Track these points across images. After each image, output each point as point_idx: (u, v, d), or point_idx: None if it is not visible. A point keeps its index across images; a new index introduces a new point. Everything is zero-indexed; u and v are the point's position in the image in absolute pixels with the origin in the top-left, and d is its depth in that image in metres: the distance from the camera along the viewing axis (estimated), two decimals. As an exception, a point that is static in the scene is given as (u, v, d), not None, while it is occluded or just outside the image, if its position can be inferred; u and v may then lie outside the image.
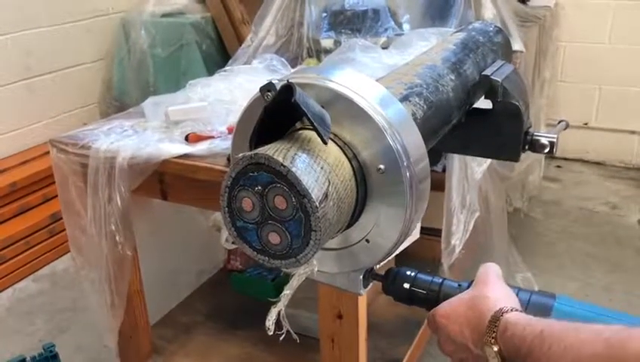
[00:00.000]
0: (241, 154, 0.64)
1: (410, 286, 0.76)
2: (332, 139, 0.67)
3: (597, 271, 2.53)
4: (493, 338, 0.61)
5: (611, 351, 0.53)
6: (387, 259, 0.73)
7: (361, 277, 0.75)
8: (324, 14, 2.09)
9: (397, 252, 0.78)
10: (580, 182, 3.34)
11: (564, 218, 2.95)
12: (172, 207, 1.65)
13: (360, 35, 2.00)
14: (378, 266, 0.76)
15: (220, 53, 3.13)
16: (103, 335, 1.71)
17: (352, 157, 0.68)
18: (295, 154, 0.63)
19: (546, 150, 1.04)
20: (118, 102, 3.18)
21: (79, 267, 1.60)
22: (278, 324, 0.74)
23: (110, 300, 1.57)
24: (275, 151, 0.63)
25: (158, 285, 1.77)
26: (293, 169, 0.61)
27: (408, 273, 0.77)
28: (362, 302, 1.41)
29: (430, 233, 1.80)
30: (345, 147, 0.67)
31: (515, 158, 1.06)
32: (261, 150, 0.64)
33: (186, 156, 1.38)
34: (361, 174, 0.68)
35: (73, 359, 2.05)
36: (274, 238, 0.65)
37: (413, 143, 0.68)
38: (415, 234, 1.91)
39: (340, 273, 0.75)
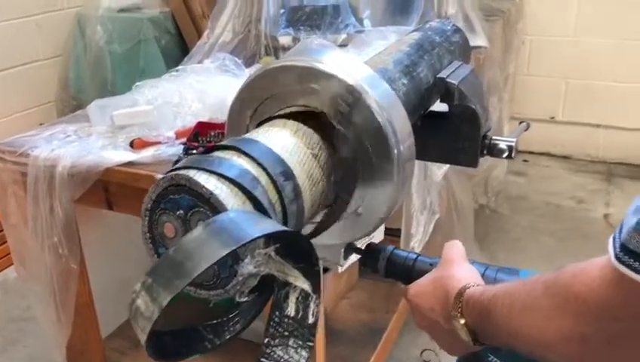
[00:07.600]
0: (161, 175, 0.58)
1: (387, 261, 0.80)
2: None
3: (563, 266, 2.52)
4: (459, 312, 0.66)
5: (548, 291, 0.58)
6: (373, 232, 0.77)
7: (342, 250, 0.79)
8: (283, 10, 2.02)
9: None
10: (546, 176, 3.32)
11: (530, 213, 2.93)
12: (122, 216, 1.57)
13: (320, 31, 1.94)
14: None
15: (179, 49, 3.03)
16: (52, 349, 1.63)
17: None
18: (222, 174, 0.57)
19: (505, 155, 1.00)
20: (75, 100, 3.07)
21: (23, 279, 1.51)
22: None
23: (56, 314, 1.49)
24: (196, 171, 0.57)
25: (109, 296, 1.68)
26: (217, 192, 0.55)
27: (386, 248, 0.82)
28: (320, 308, 1.36)
29: (393, 233, 1.76)
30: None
31: (473, 164, 1.01)
32: (184, 170, 0.58)
33: (130, 164, 1.30)
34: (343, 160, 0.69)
35: (25, 372, 1.97)
36: (199, 268, 0.59)
37: (400, 122, 0.71)
38: (379, 235, 1.87)
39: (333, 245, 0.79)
